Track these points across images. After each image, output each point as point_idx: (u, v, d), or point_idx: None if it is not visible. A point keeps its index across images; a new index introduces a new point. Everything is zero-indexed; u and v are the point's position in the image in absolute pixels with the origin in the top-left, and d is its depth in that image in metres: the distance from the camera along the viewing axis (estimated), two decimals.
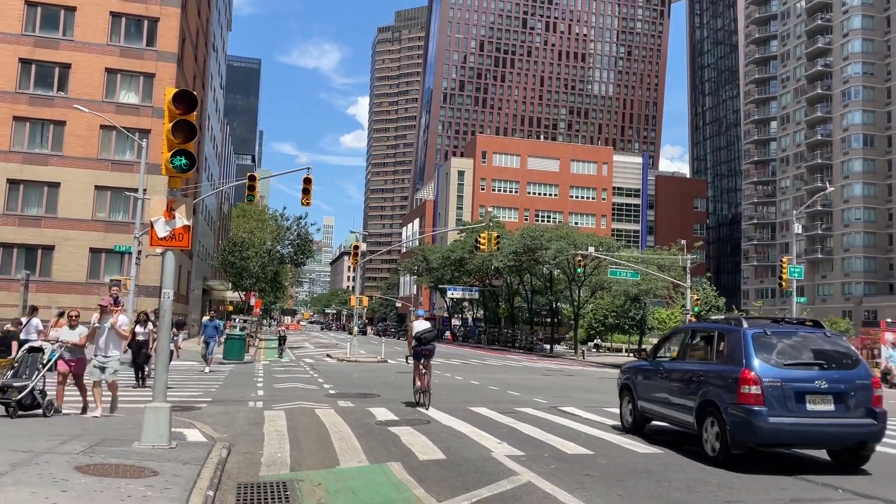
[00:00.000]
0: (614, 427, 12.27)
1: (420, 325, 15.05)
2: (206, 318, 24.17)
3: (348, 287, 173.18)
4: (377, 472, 8.12)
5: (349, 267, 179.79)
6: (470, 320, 78.55)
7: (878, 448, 11.10)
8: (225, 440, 9.68)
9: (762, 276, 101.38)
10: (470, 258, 61.17)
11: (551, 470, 8.43)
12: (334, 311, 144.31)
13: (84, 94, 36.29)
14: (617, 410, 12.74)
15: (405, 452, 9.36)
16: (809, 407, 8.91)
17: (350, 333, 40.68)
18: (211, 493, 6.62)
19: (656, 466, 8.93)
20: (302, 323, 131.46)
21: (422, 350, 14.62)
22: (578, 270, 46.24)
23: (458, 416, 13.11)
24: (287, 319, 69.94)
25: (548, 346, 51.24)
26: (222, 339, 25.19)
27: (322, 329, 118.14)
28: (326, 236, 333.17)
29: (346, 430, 11.08)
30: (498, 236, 36.54)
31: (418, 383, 14.72)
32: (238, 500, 6.79)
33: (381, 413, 13.27)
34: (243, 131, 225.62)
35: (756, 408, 8.77)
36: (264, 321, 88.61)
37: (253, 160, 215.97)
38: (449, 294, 67.78)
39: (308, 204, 24.42)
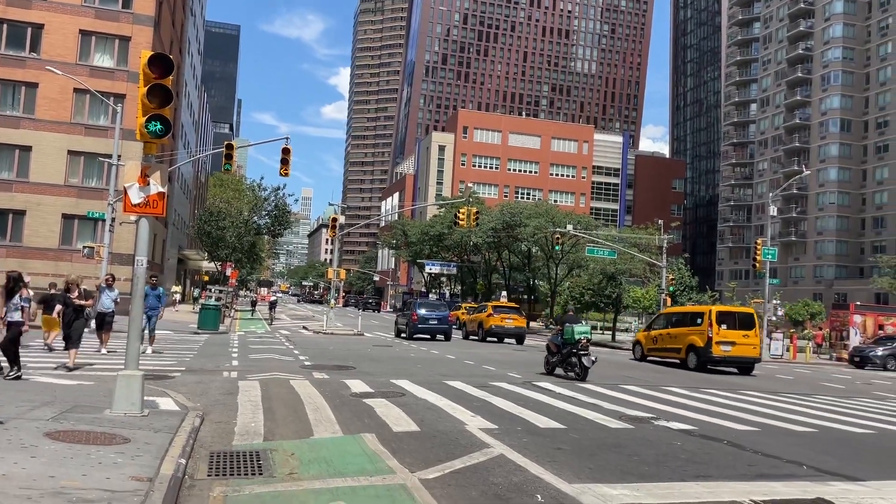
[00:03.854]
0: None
1: (272, 298, 44.84)
2: (146, 286, 19.22)
3: (326, 260, 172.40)
4: (351, 443, 8.14)
5: (327, 239, 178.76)
6: (447, 295, 78.79)
7: (849, 429, 11.38)
8: (198, 409, 9.64)
9: (737, 258, 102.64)
10: (449, 233, 61.17)
11: (524, 443, 8.51)
12: (311, 284, 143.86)
13: (57, 56, 35.44)
14: (589, 386, 15.37)
15: (379, 424, 9.39)
16: (430, 322, 30.69)
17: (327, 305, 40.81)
18: (183, 461, 6.59)
19: (627, 441, 9.06)
20: (278, 294, 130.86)
21: (272, 306, 41.79)
22: (556, 248, 46.49)
23: (433, 389, 13.18)
24: (263, 290, 69.68)
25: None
26: (164, 312, 20.33)
27: (298, 301, 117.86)
28: (305, 208, 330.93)
29: (320, 402, 11.08)
30: (477, 212, 36.50)
31: (270, 317, 40.16)
32: (211, 469, 6.77)
33: (357, 385, 13.29)
34: (221, 99, 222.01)
35: (416, 322, 30.39)
36: (240, 292, 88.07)
37: (231, 129, 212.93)
38: (427, 269, 67.87)
39: (286, 174, 24.14)
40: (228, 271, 48.34)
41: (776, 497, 6.57)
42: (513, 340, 32.33)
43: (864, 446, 9.87)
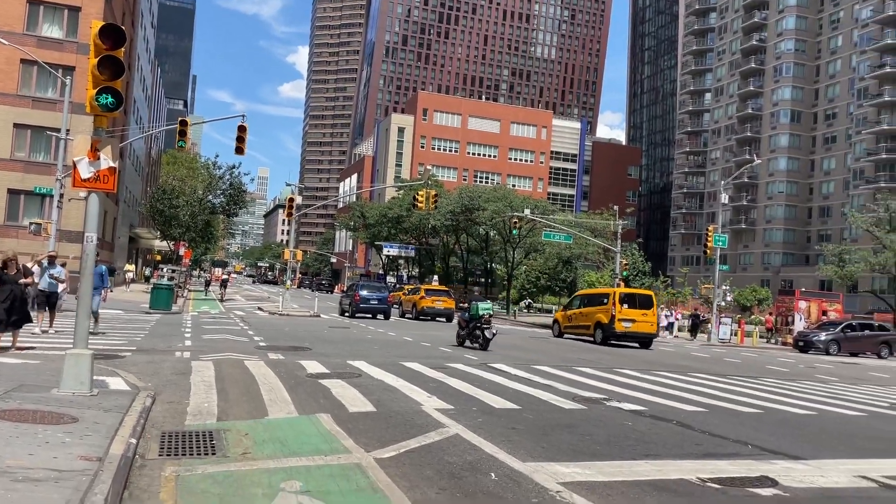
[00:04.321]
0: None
1: (223, 277, 47.04)
2: None
3: (282, 241, 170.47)
4: (306, 424, 8.11)
5: (284, 220, 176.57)
6: (405, 278, 78.75)
7: (792, 410, 11.76)
8: (150, 389, 9.48)
9: (689, 244, 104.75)
10: (407, 216, 61.04)
11: (479, 423, 8.59)
12: (267, 265, 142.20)
13: (3, 25, 34.04)
14: (544, 368, 15.56)
15: (335, 405, 9.37)
16: (371, 302, 32.71)
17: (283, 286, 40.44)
18: (133, 440, 6.48)
19: (580, 421, 9.22)
20: (233, 275, 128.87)
21: (223, 284, 44.43)
22: (514, 232, 46.78)
23: (389, 370, 13.19)
24: (217, 271, 68.78)
25: None
26: (110, 291, 19.55)
27: (254, 282, 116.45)
28: (261, 188, 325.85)
29: (275, 382, 11.00)
30: (436, 195, 36.50)
31: (220, 296, 42.38)
32: (162, 449, 6.68)
33: (312, 366, 13.22)
34: (176, 75, 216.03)
35: (358, 302, 32.51)
36: (194, 272, 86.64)
37: (185, 105, 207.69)
38: (385, 251, 67.67)
39: (242, 153, 23.73)
40: (182, 251, 47.47)
41: (722, 475, 6.77)
42: (443, 319, 35.17)
43: (805, 427, 10.22)
